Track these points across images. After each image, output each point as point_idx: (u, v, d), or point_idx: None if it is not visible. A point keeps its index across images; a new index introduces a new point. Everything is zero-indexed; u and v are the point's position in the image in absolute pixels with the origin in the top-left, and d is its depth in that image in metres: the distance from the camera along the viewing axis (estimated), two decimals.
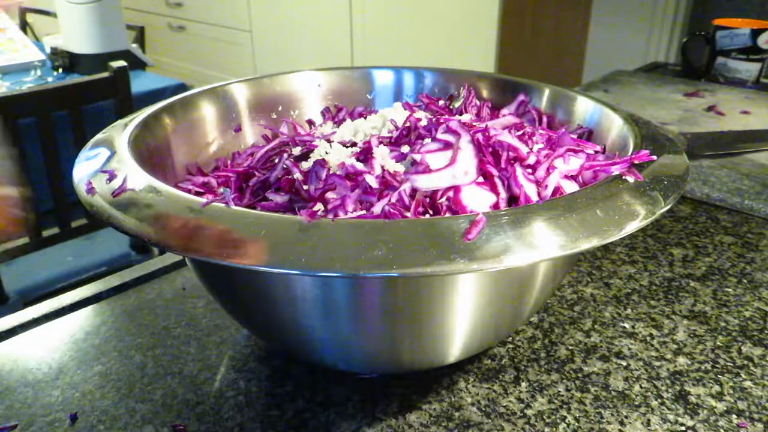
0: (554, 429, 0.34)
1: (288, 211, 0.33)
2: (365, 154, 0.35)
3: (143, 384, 0.37)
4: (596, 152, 0.39)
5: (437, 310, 0.30)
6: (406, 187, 0.32)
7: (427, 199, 0.32)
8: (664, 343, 0.41)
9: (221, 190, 0.35)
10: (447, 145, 0.35)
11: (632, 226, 0.27)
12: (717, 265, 0.50)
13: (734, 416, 0.35)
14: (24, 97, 1.09)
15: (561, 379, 0.37)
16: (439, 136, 0.35)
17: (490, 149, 0.37)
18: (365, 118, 0.44)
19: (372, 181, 0.32)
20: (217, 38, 2.87)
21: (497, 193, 0.33)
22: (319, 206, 0.31)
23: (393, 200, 0.31)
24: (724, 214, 0.58)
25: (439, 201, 0.32)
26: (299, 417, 0.35)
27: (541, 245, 0.25)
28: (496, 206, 0.33)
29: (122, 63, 1.19)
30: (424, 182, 0.32)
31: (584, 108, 0.44)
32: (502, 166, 0.36)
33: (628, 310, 0.44)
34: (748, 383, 0.37)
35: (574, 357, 0.39)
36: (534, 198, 0.34)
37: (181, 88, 1.57)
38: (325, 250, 0.24)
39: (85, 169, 0.32)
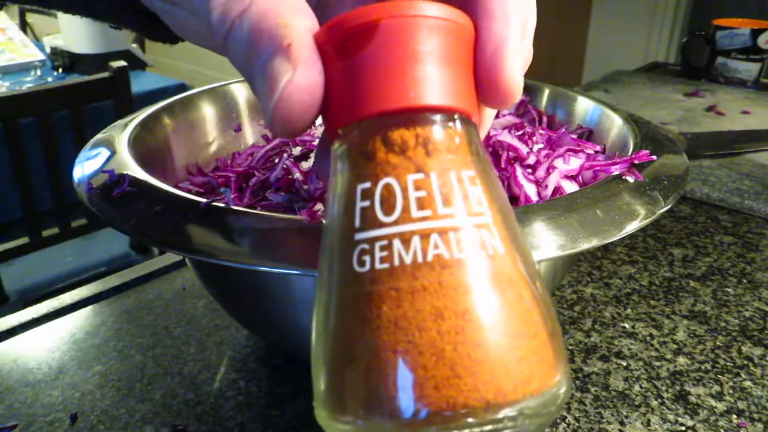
0: (554, 429, 0.34)
1: (288, 211, 0.33)
2: None
3: (143, 384, 0.37)
4: (596, 152, 0.39)
5: None
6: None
7: None
8: (664, 343, 0.41)
9: (221, 190, 0.35)
10: None
11: (632, 226, 0.27)
12: (717, 265, 0.50)
13: (734, 416, 0.35)
14: (24, 97, 1.09)
15: None
16: None
17: (490, 149, 0.37)
18: None
19: None
20: None
21: None
22: (319, 206, 0.31)
23: None
24: (724, 214, 0.58)
25: None
26: (299, 417, 0.35)
27: (541, 245, 0.25)
28: None
29: (122, 63, 1.19)
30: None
31: (584, 108, 0.44)
32: (502, 166, 0.36)
33: (628, 310, 0.44)
34: (748, 383, 0.37)
35: (574, 357, 0.39)
36: (534, 198, 0.34)
37: (181, 88, 1.57)
38: None
39: (85, 169, 0.32)
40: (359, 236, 0.17)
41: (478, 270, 0.16)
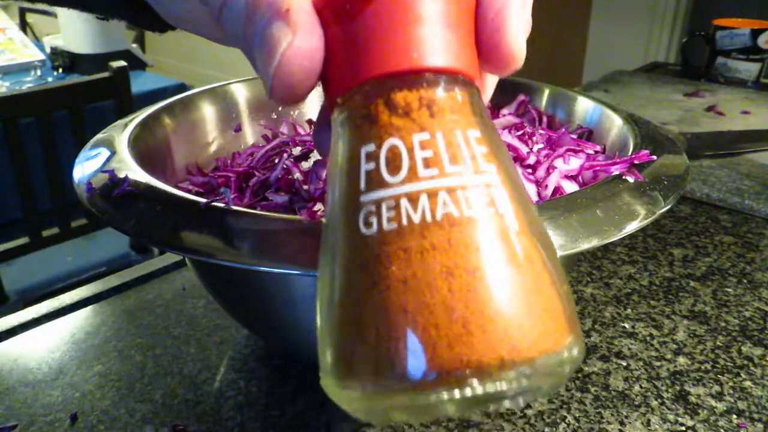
0: (554, 429, 0.34)
1: (288, 211, 0.33)
2: None
3: (143, 384, 0.37)
4: (596, 152, 0.39)
5: None
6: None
7: None
8: (664, 343, 0.41)
9: (221, 190, 0.35)
10: None
11: (632, 226, 0.27)
12: (717, 265, 0.50)
13: (734, 416, 0.35)
14: (24, 97, 1.09)
15: None
16: None
17: None
18: None
19: None
20: None
21: None
22: (319, 206, 0.31)
23: None
24: (724, 214, 0.58)
25: None
26: (299, 417, 0.35)
27: None
28: None
29: (122, 63, 1.19)
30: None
31: (584, 108, 0.44)
32: None
33: (628, 310, 0.44)
34: (748, 383, 0.37)
35: None
36: (534, 198, 0.34)
37: (181, 88, 1.57)
38: None
39: (85, 169, 0.32)
40: (365, 198, 0.17)
41: (487, 227, 0.16)
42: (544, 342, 0.16)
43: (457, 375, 0.15)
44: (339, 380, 0.17)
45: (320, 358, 0.17)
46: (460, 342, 0.15)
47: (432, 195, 0.16)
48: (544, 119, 0.46)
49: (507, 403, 0.17)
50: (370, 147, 0.17)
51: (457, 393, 0.15)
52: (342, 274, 0.17)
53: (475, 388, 0.15)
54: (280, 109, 0.48)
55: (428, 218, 0.16)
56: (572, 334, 0.17)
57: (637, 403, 0.36)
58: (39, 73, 1.61)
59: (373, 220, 0.17)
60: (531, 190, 0.34)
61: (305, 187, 0.33)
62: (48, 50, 1.69)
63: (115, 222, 0.28)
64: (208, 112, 0.44)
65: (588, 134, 0.43)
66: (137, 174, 0.30)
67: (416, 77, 0.18)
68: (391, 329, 0.16)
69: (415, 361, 0.15)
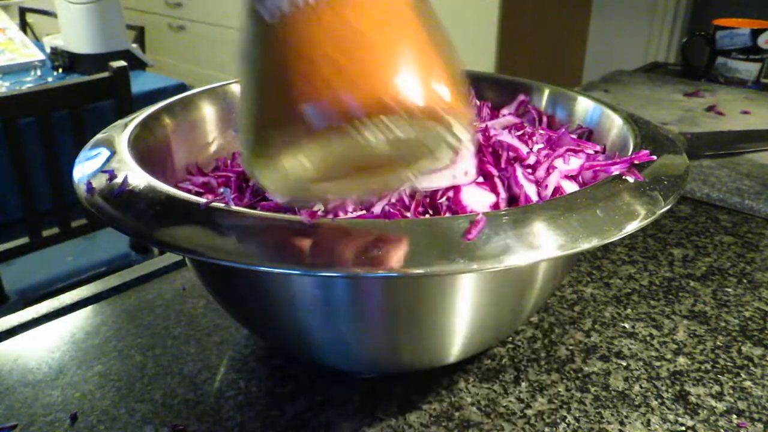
0: (554, 429, 0.34)
1: (288, 211, 0.33)
2: None
3: (143, 384, 0.37)
4: (596, 152, 0.39)
5: (437, 311, 0.30)
6: (405, 187, 0.32)
7: (427, 199, 0.33)
8: (664, 343, 0.41)
9: (221, 190, 0.35)
10: None
11: (632, 226, 0.27)
12: (717, 265, 0.50)
13: (734, 416, 0.35)
14: (24, 97, 1.09)
15: (561, 379, 0.37)
16: None
17: (490, 149, 0.37)
18: None
19: None
20: (217, 38, 2.87)
21: (497, 193, 0.33)
22: (318, 206, 0.31)
23: (393, 200, 0.31)
24: (724, 214, 0.58)
25: (439, 201, 0.32)
26: (299, 417, 0.35)
27: (541, 245, 0.25)
28: (495, 206, 0.33)
29: (122, 63, 1.19)
30: (424, 182, 0.32)
31: (584, 108, 0.44)
32: (502, 166, 0.36)
33: (628, 310, 0.44)
34: (748, 383, 0.37)
35: (574, 357, 0.39)
36: (534, 198, 0.34)
37: (181, 88, 1.56)
38: (325, 249, 0.24)
39: (85, 169, 0.32)
40: None
41: (374, 3, 0.20)
42: (425, 99, 0.19)
43: (348, 114, 0.19)
44: (259, 154, 0.20)
45: (243, 151, 0.21)
46: (348, 90, 0.19)
47: None
48: (544, 119, 0.46)
49: (406, 176, 0.22)
50: None
51: (349, 135, 0.19)
52: (254, 64, 0.21)
53: (366, 126, 0.19)
54: None
55: None
56: (455, 101, 0.20)
57: (637, 403, 0.36)
58: (39, 73, 1.61)
59: (275, 9, 0.20)
60: (531, 190, 0.34)
61: None
62: (48, 50, 1.69)
63: (115, 222, 0.28)
64: (208, 112, 0.44)
65: (588, 134, 0.43)
66: (137, 174, 0.30)
67: None
68: (294, 92, 0.19)
69: (315, 111, 0.19)
